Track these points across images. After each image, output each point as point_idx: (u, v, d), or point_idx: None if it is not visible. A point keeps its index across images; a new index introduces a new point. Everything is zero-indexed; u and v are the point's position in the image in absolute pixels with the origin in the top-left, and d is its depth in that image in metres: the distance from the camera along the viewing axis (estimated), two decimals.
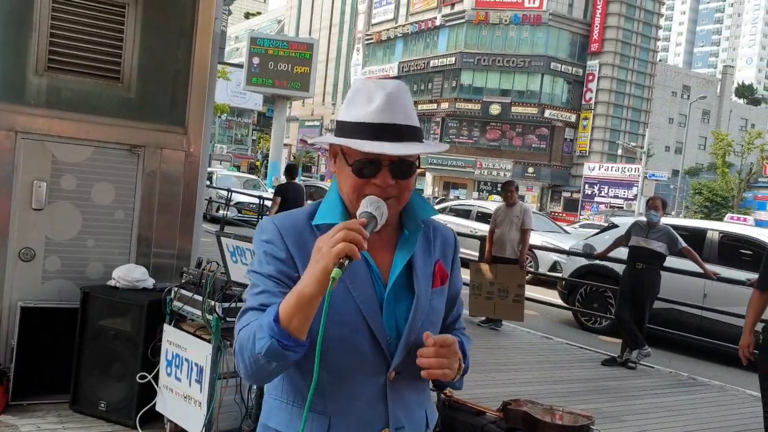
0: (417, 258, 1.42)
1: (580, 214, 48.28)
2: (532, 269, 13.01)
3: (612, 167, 50.84)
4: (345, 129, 1.34)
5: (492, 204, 16.92)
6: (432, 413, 1.52)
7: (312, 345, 1.25)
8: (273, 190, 19.84)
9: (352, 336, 1.33)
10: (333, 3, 76.41)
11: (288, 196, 9.41)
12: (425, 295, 1.40)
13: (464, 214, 15.73)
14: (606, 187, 49.35)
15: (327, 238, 1.19)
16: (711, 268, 7.28)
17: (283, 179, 11.31)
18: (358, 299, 1.34)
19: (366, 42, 65.30)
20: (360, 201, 1.32)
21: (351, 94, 1.37)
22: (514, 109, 53.31)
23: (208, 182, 16.90)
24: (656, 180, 48.31)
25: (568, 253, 12.14)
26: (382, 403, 1.37)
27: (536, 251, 12.95)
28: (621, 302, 6.97)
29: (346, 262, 1.17)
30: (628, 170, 48.95)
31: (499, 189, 36.76)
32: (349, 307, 1.33)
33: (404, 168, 1.34)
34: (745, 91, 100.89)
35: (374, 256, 1.39)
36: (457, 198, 52.52)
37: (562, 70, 54.32)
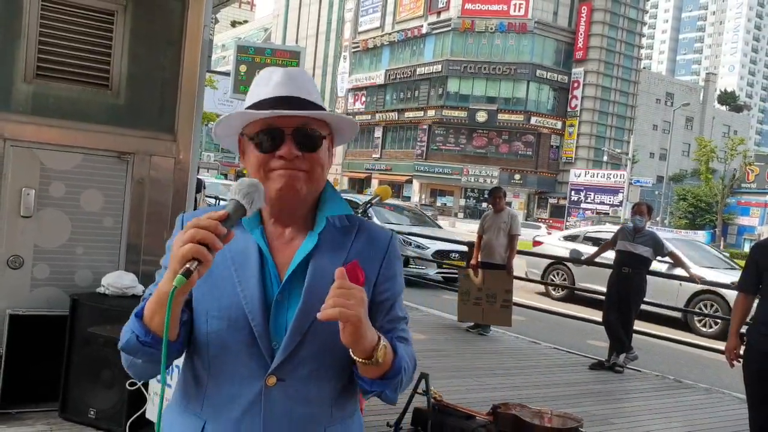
0: (319, 255, 1.27)
1: (567, 221, 48.61)
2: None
3: (598, 174, 51.29)
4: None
5: (609, 228, 14.42)
6: None
7: (185, 345, 1.23)
8: None
9: (232, 334, 1.23)
10: (319, 11, 76.63)
11: None
12: (318, 291, 1.21)
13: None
14: (592, 194, 49.76)
15: (180, 235, 1.09)
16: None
17: None
18: (243, 297, 1.23)
19: (353, 50, 65.47)
20: (267, 176, 1.25)
21: (252, 84, 1.32)
22: (500, 116, 53.65)
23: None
24: (641, 186, 48.82)
25: (564, 259, 11.95)
26: (257, 412, 1.23)
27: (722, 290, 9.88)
28: (607, 306, 7.04)
29: (194, 266, 1.05)
30: (614, 177, 49.39)
31: (486, 196, 36.94)
32: (234, 303, 1.24)
33: (311, 139, 1.26)
34: (728, 98, 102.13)
35: (278, 250, 1.29)
36: (445, 206, 52.80)
37: (548, 77, 54.77)
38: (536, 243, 14.58)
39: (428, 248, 12.13)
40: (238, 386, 1.24)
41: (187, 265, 1.05)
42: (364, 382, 1.24)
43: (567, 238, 13.76)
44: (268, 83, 1.28)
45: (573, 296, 12.35)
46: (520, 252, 8.56)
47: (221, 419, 1.25)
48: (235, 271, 1.25)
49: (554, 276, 12.99)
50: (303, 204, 1.30)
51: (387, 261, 1.34)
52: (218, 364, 1.25)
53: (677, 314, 10.73)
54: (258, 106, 1.27)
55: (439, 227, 15.48)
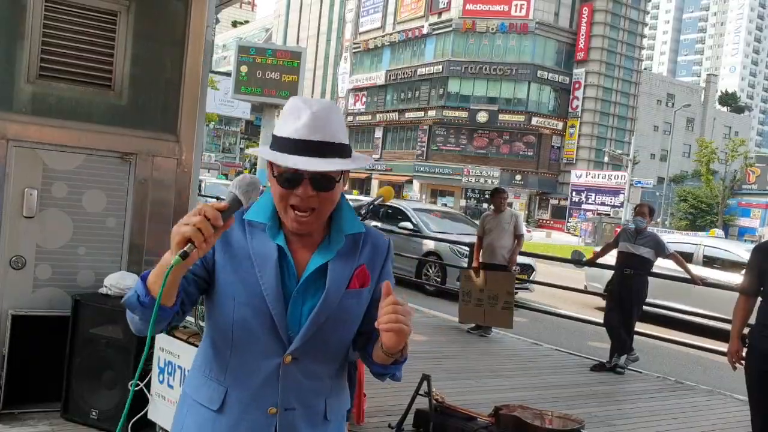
0: (336, 261, 1.50)
1: (568, 221, 48.61)
2: None
3: (599, 174, 51.23)
4: (276, 143, 1.42)
5: (721, 241, 13.83)
6: (336, 405, 1.58)
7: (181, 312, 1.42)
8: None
9: (255, 319, 1.45)
10: (320, 11, 76.57)
11: None
12: (335, 293, 1.48)
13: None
14: (593, 195, 49.70)
15: (186, 218, 1.28)
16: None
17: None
18: (264, 290, 1.44)
19: (353, 50, 65.44)
20: (285, 209, 1.43)
21: (285, 111, 1.45)
22: (501, 116, 53.59)
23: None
24: (642, 187, 48.71)
25: (567, 261, 11.47)
26: (275, 383, 1.48)
27: None
28: (609, 307, 7.04)
29: (191, 249, 1.24)
30: (615, 178, 49.33)
31: (486, 197, 36.74)
32: (257, 294, 1.45)
33: (325, 182, 1.42)
34: (729, 99, 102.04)
35: (296, 252, 1.50)
36: (445, 206, 52.70)
37: (549, 78, 54.71)
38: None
39: None
40: (258, 362, 1.47)
41: (186, 249, 1.24)
42: (380, 367, 1.50)
43: None
44: (296, 120, 1.40)
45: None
46: (521, 253, 8.48)
47: (243, 387, 1.48)
48: (257, 269, 1.45)
49: None
50: (316, 229, 1.50)
51: (386, 263, 1.59)
52: (241, 342, 1.47)
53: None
54: (284, 143, 1.40)
55: None
